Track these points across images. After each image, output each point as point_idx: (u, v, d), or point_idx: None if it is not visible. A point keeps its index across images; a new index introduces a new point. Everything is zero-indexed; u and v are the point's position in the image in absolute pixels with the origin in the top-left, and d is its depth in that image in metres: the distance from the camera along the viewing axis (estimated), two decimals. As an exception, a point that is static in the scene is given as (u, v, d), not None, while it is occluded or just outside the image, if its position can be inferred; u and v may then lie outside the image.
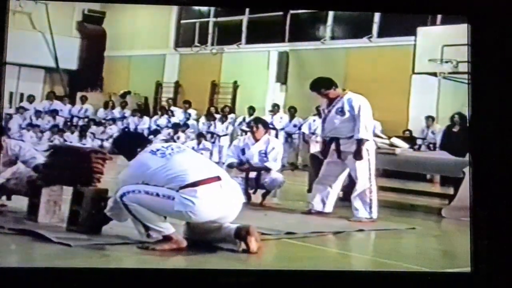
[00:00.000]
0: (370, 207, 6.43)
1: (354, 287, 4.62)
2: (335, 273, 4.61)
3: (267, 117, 11.04)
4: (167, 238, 4.70)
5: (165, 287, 4.44)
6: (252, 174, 7.27)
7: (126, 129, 11.74)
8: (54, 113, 11.84)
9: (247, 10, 12.28)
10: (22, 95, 12.06)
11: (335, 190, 6.67)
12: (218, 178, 4.72)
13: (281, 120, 11.28)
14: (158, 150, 4.80)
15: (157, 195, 4.61)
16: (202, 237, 4.84)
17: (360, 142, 6.43)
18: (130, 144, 5.02)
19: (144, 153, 4.82)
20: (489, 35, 5.01)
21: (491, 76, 4.98)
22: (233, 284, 4.44)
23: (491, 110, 4.96)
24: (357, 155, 6.43)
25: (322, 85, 6.62)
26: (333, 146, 6.61)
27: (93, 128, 11.96)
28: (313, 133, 10.50)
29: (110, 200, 4.84)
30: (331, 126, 6.59)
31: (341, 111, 6.52)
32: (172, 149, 4.82)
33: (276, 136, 10.54)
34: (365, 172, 6.47)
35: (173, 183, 4.62)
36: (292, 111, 11.42)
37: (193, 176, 4.64)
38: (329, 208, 6.65)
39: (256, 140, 7.35)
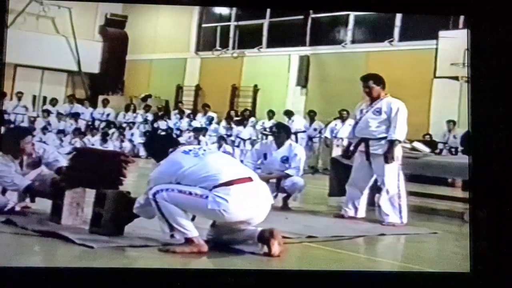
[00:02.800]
0: (400, 212, 6.45)
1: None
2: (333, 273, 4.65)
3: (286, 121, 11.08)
4: (189, 241, 4.71)
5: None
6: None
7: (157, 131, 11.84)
8: (76, 116, 11.94)
9: (268, 14, 12.31)
10: (45, 98, 12.20)
11: (365, 195, 6.71)
12: (250, 179, 4.77)
13: (292, 122, 11.24)
14: (190, 150, 4.88)
15: (190, 193, 4.64)
16: (225, 238, 4.86)
17: (392, 143, 6.48)
18: (162, 144, 5.07)
19: (177, 152, 4.88)
20: (488, 37, 5.01)
21: (491, 78, 4.99)
22: (248, 284, 4.47)
23: (491, 112, 4.96)
24: (388, 156, 6.47)
25: (372, 77, 6.71)
26: (361, 147, 6.65)
27: (113, 131, 12.06)
28: (335, 137, 10.49)
29: (141, 197, 4.88)
30: (364, 126, 6.63)
31: (378, 112, 6.58)
32: (204, 150, 4.90)
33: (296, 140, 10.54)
34: (393, 176, 6.49)
35: (206, 182, 4.66)
36: (311, 115, 11.42)
37: (226, 176, 4.68)
38: (361, 213, 6.69)
39: (279, 146, 7.32)
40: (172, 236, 4.69)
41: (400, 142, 6.55)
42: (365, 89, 6.66)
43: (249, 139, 11.46)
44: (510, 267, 4.70)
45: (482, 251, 4.74)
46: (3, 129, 5.75)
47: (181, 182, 4.69)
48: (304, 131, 11.18)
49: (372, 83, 6.63)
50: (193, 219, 4.77)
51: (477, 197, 4.90)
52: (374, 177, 6.64)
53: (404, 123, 6.52)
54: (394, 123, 6.48)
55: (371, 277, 4.69)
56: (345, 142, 7.09)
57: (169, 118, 12.45)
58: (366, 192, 6.69)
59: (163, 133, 11.79)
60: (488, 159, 4.91)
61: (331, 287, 4.61)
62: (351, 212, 6.67)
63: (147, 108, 12.55)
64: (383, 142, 6.53)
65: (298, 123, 11.36)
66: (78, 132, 11.57)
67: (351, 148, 6.77)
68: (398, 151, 6.54)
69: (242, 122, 11.76)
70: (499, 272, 4.69)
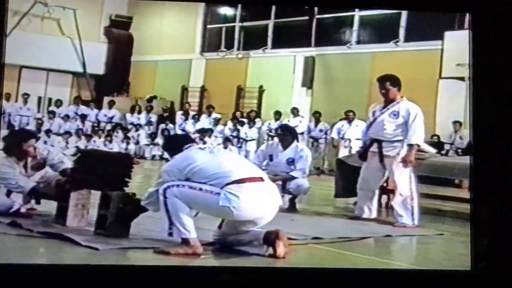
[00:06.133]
0: (412, 214, 6.45)
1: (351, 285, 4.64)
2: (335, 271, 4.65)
3: (294, 121, 11.06)
4: (184, 242, 4.68)
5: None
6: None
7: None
8: (83, 117, 11.95)
9: (272, 14, 12.31)
10: (50, 99, 12.22)
11: (376, 195, 6.74)
12: (261, 179, 4.78)
13: (300, 123, 11.21)
14: (205, 147, 4.91)
15: (201, 190, 4.63)
16: (231, 240, 4.85)
17: (411, 147, 6.47)
18: (181, 142, 5.07)
19: (192, 148, 4.91)
20: (490, 36, 5.01)
21: (493, 78, 4.99)
22: (251, 282, 4.47)
23: (492, 111, 4.97)
24: (407, 160, 6.45)
25: (390, 79, 6.62)
26: (373, 149, 6.61)
27: (119, 133, 12.06)
28: (342, 138, 10.47)
29: (151, 188, 4.87)
30: (379, 128, 6.58)
31: (395, 115, 6.52)
32: (219, 148, 4.92)
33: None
34: (406, 178, 6.49)
35: (218, 179, 4.64)
36: (317, 116, 11.39)
37: (239, 174, 4.68)
38: (374, 213, 6.71)
39: (285, 148, 7.27)
40: (170, 234, 4.67)
41: (419, 146, 6.57)
42: (382, 91, 6.59)
43: (255, 139, 11.44)
44: (510, 266, 4.70)
45: (483, 249, 4.73)
46: (8, 131, 5.74)
47: (192, 178, 4.68)
48: (302, 133, 11.14)
49: (389, 84, 6.56)
50: (195, 214, 4.77)
51: (479, 196, 4.90)
52: (385, 178, 6.63)
53: (422, 127, 6.52)
54: (414, 128, 6.44)
55: (373, 275, 4.69)
56: (353, 143, 7.07)
57: (174, 120, 12.44)
58: (377, 192, 6.72)
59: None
60: (490, 159, 4.90)
61: (335, 285, 4.61)
62: (366, 213, 6.69)
63: (148, 109, 12.55)
64: (396, 144, 6.52)
65: (304, 124, 11.36)
66: (82, 133, 11.58)
67: (361, 148, 6.80)
68: (413, 155, 6.53)
69: (248, 123, 11.74)
70: (500, 270, 4.68)
